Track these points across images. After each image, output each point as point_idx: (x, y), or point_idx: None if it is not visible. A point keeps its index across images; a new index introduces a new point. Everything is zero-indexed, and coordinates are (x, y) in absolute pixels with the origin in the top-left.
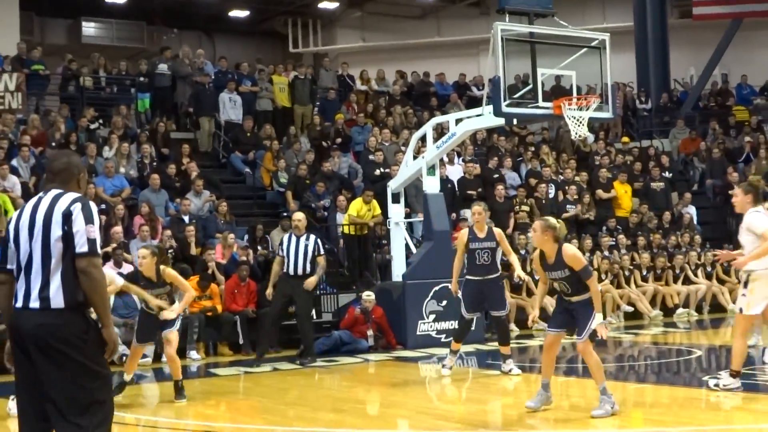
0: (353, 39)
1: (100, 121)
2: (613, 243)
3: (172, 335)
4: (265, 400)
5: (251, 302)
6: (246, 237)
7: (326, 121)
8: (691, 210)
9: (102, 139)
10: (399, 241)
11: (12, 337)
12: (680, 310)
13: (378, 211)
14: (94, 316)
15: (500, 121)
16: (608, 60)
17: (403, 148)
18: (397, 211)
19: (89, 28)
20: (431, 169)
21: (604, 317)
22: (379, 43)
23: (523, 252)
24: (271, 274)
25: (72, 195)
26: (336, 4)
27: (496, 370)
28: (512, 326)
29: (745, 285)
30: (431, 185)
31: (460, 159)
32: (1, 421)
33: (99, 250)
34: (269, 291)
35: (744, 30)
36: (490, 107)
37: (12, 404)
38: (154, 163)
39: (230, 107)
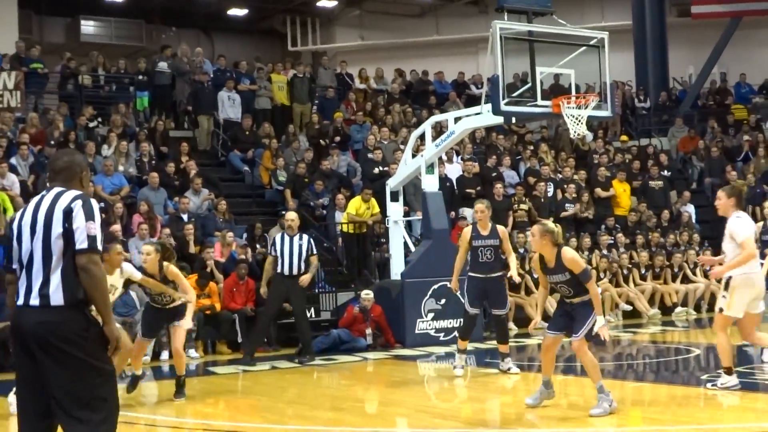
0: (352, 37)
1: (99, 119)
2: (612, 242)
3: (179, 330)
4: (263, 399)
5: (250, 301)
6: (245, 235)
7: (325, 119)
8: (690, 209)
9: (101, 137)
10: (398, 239)
11: (13, 334)
12: (679, 309)
13: (377, 209)
14: (95, 313)
15: (499, 120)
16: (607, 58)
17: (401, 147)
18: (395, 210)
19: (88, 27)
20: (430, 168)
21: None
22: (377, 42)
23: (521, 250)
24: (264, 273)
25: (73, 192)
26: (335, 3)
27: (495, 369)
28: (511, 325)
29: (726, 288)
30: (430, 184)
31: (459, 157)
32: (1, 420)
33: (100, 247)
34: (263, 290)
35: (743, 29)
36: (489, 106)
37: (12, 398)
38: (153, 162)
39: (229, 106)
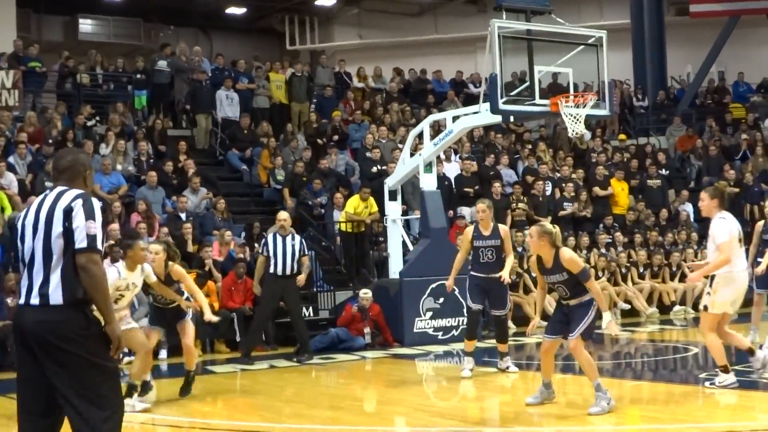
0: (350, 36)
1: (97, 118)
2: (610, 240)
3: (188, 326)
4: (262, 398)
5: (248, 300)
6: (243, 234)
7: (323, 118)
8: (688, 207)
9: (99, 136)
10: (396, 238)
11: (14, 333)
12: (677, 308)
13: (375, 208)
14: (97, 313)
15: (497, 119)
16: (605, 57)
17: (400, 146)
18: (394, 209)
19: (86, 25)
20: (428, 167)
21: (600, 316)
22: (376, 41)
23: (519, 249)
24: (255, 273)
25: (75, 191)
26: (333, 2)
27: (493, 368)
28: (510, 323)
29: (711, 284)
30: (428, 182)
31: (457, 156)
32: (6, 420)
33: (100, 247)
34: (257, 290)
35: (741, 27)
36: (487, 104)
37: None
38: (151, 161)
39: (227, 104)
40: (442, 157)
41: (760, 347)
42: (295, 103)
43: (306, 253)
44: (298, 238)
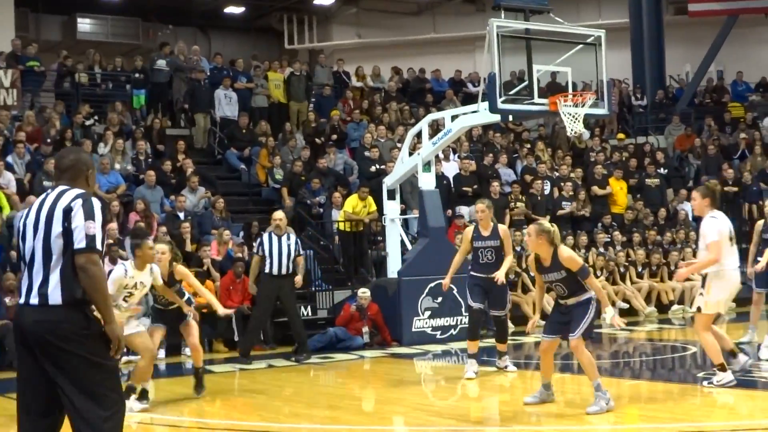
0: (349, 35)
1: (96, 117)
2: (609, 240)
3: (191, 325)
4: (260, 397)
5: (246, 299)
6: (241, 234)
7: (322, 117)
8: (687, 207)
9: (97, 135)
10: (394, 237)
11: (15, 332)
12: (675, 307)
13: (373, 207)
14: (97, 313)
15: (496, 118)
16: (604, 56)
17: (398, 145)
18: (392, 208)
19: (84, 25)
20: (427, 166)
21: (599, 315)
22: (374, 40)
23: (518, 249)
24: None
25: (75, 191)
26: (332, 1)
27: (492, 367)
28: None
29: (703, 285)
30: (427, 182)
31: (456, 155)
32: (7, 420)
33: (99, 247)
34: (253, 289)
35: (739, 27)
36: (486, 104)
37: None
38: (150, 160)
39: (226, 104)
40: (441, 156)
41: (759, 347)
42: (294, 102)
43: (301, 252)
44: (293, 237)
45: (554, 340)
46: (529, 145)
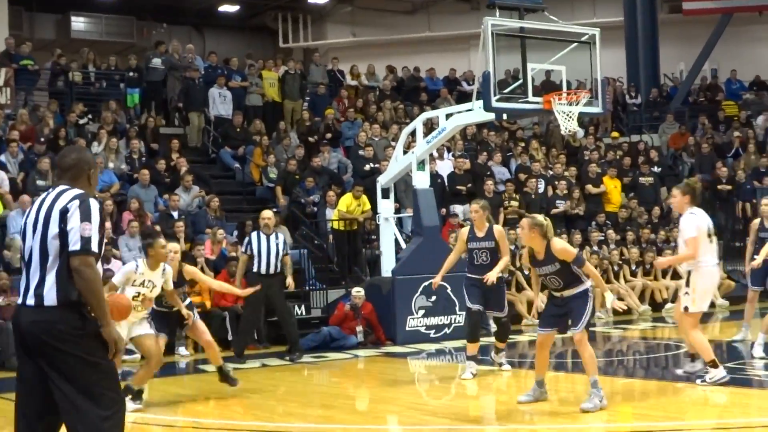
0: (343, 34)
1: (89, 116)
2: (602, 238)
3: (199, 324)
4: (254, 396)
5: (240, 299)
6: (235, 233)
7: (316, 116)
8: None
9: (91, 134)
10: (388, 236)
11: (14, 333)
12: (669, 305)
13: (367, 206)
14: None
15: (490, 116)
16: (598, 55)
17: (392, 144)
18: (386, 207)
19: (78, 23)
20: (421, 164)
21: (593, 313)
22: (369, 38)
23: (512, 247)
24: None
25: (74, 192)
26: None
27: (486, 366)
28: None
29: (687, 284)
30: (421, 180)
31: (450, 154)
32: (5, 423)
33: (95, 249)
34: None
35: (733, 25)
36: (480, 102)
37: None
38: (143, 159)
39: (220, 102)
40: (435, 154)
41: (752, 345)
42: (288, 101)
43: (288, 252)
44: (281, 236)
45: (550, 333)
46: (523, 144)
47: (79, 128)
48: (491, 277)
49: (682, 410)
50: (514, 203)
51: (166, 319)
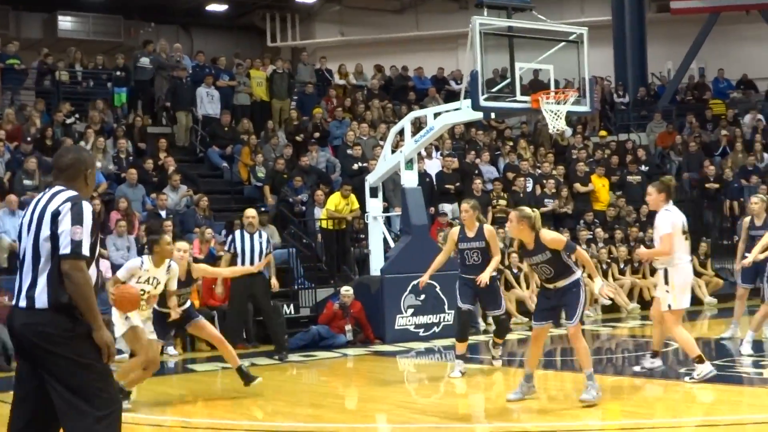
0: (331, 33)
1: (77, 115)
2: (591, 236)
3: (203, 323)
4: (242, 396)
5: (228, 298)
6: (223, 232)
7: (304, 115)
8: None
9: (78, 133)
10: (377, 235)
11: (10, 335)
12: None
13: (356, 205)
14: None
15: (478, 115)
16: (586, 54)
17: (381, 143)
18: (375, 206)
19: (65, 23)
20: (409, 164)
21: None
22: (357, 38)
23: (500, 246)
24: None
25: (67, 194)
26: None
27: (476, 364)
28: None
29: (666, 281)
30: (409, 179)
31: (438, 153)
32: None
33: (85, 253)
34: (219, 289)
35: (721, 24)
36: (468, 101)
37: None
38: (131, 158)
39: (208, 102)
40: (423, 153)
41: (741, 342)
42: (276, 100)
43: (271, 250)
44: (265, 235)
45: (545, 326)
46: (511, 143)
47: (66, 128)
48: (484, 278)
49: (671, 408)
50: (503, 202)
51: (167, 318)
